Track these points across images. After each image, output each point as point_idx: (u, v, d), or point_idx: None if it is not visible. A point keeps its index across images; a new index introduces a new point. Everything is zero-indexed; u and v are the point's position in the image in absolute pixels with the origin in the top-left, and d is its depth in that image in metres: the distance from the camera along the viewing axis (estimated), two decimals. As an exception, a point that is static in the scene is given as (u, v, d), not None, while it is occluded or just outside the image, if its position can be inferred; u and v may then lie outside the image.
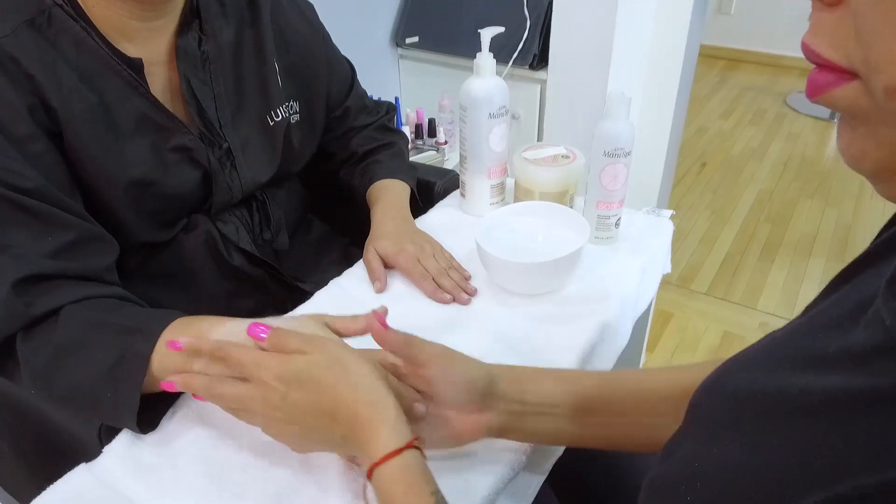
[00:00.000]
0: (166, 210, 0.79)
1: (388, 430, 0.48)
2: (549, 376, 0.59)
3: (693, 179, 2.75)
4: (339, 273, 0.88)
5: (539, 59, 1.75)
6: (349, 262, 0.98)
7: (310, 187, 1.05)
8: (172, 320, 0.63)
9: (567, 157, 0.92)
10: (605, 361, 0.78)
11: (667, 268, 0.96)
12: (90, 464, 0.59)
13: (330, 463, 0.58)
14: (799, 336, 0.36)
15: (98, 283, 0.67)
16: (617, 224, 0.89)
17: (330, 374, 0.51)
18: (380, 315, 0.56)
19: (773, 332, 0.40)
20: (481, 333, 0.75)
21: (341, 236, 1.08)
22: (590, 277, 0.83)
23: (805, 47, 0.29)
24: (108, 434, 0.63)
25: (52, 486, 0.56)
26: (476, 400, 0.56)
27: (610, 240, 0.90)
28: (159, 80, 0.76)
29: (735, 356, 0.40)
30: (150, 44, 0.74)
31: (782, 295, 2.05)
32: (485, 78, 0.89)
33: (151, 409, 0.62)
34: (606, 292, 0.80)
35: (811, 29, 0.29)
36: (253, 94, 0.84)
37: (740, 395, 0.35)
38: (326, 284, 0.86)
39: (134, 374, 0.60)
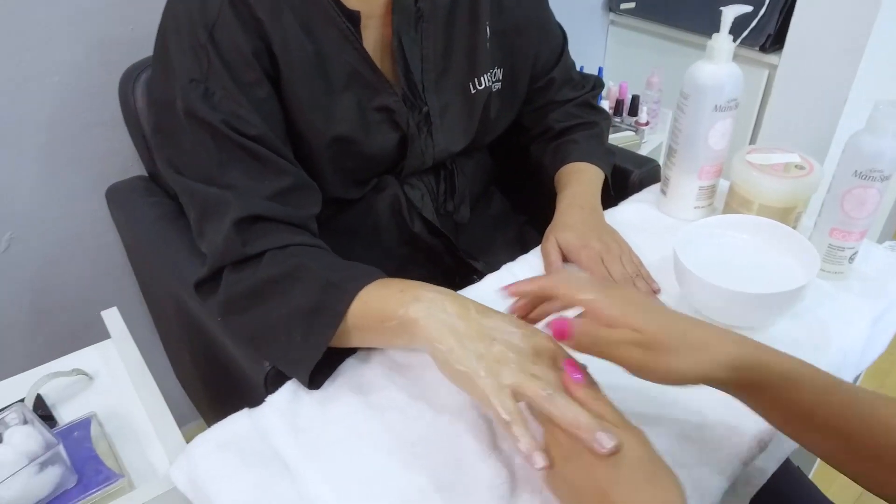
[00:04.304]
0: (361, 169, 0.78)
1: None
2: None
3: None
4: (511, 255, 0.83)
5: (774, 40, 1.53)
6: (523, 244, 0.92)
7: (496, 158, 1.00)
8: (371, 281, 0.61)
9: (802, 167, 0.78)
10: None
11: (905, 319, 0.79)
12: (252, 410, 0.61)
13: (479, 465, 0.54)
14: None
15: (304, 232, 0.68)
16: (851, 259, 0.74)
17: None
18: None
19: None
20: (663, 358, 0.66)
21: (519, 214, 1.03)
22: (808, 317, 0.70)
23: None
24: (273, 381, 0.64)
25: (214, 426, 0.59)
26: None
27: (839, 275, 0.75)
28: (372, 36, 0.74)
29: None
30: None
31: None
32: (718, 63, 0.76)
33: (321, 367, 0.62)
34: (826, 339, 0.67)
35: None
36: (460, 59, 0.79)
37: None
38: (497, 265, 0.81)
39: (325, 328, 0.59)
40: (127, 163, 1.10)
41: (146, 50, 1.00)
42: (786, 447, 0.64)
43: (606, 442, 0.44)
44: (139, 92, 0.93)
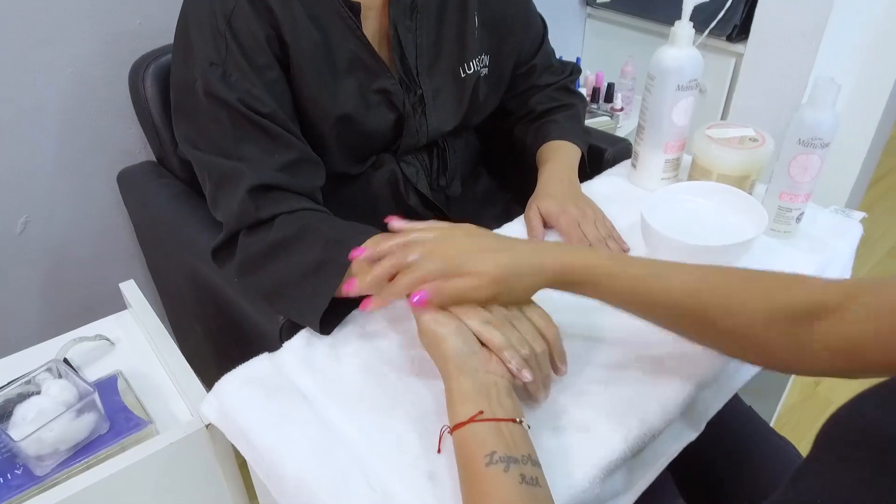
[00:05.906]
0: (362, 146, 0.86)
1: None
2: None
3: (894, 181, 2.45)
4: (498, 226, 0.91)
5: (739, 30, 1.63)
6: (509, 218, 1.00)
7: (483, 140, 1.09)
8: (369, 236, 0.68)
9: (755, 140, 0.87)
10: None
11: (846, 275, 0.89)
12: (271, 354, 0.68)
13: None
14: None
15: (310, 200, 0.75)
16: (798, 219, 0.83)
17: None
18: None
19: None
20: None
21: (505, 191, 1.11)
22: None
23: None
24: (287, 332, 0.72)
25: (239, 366, 0.66)
26: None
27: (787, 234, 0.84)
28: (371, 25, 0.82)
29: (871, 389, 0.38)
30: None
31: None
32: (680, 48, 0.85)
33: (331, 316, 0.70)
34: (774, 288, 0.76)
35: None
36: (450, 46, 0.87)
37: (871, 435, 0.34)
38: (486, 234, 0.89)
39: (331, 279, 0.67)
40: (135, 149, 1.17)
41: (154, 42, 1.08)
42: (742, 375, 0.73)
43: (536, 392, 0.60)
44: (149, 82, 0.99)
